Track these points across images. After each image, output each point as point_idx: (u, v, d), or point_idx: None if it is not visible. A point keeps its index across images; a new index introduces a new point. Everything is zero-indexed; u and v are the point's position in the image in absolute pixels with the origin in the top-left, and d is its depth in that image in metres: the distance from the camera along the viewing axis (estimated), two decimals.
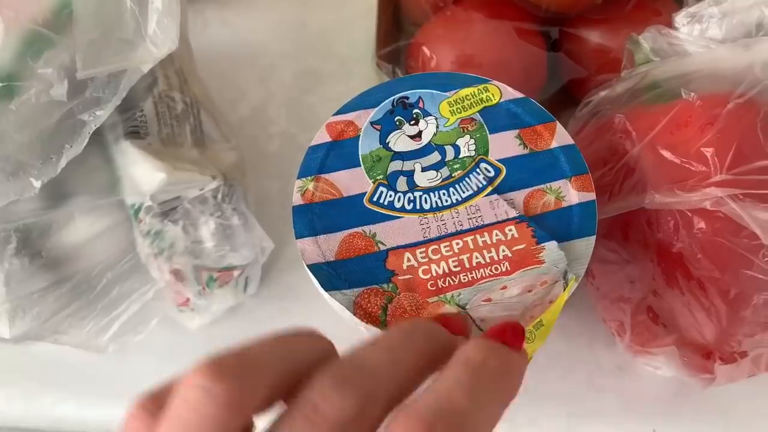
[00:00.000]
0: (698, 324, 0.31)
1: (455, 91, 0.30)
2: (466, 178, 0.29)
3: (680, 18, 0.34)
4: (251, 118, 0.45)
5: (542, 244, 0.27)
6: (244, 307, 0.40)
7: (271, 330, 0.31)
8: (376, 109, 0.30)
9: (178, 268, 0.33)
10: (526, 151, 0.29)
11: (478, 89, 0.30)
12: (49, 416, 0.39)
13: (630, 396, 0.38)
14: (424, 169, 0.29)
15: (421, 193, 0.29)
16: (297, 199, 0.29)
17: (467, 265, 0.27)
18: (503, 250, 0.27)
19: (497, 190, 0.29)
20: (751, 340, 0.31)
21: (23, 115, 0.26)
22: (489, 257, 0.27)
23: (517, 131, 0.30)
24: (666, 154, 0.31)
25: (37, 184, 0.27)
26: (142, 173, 0.31)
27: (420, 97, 0.31)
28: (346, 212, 0.28)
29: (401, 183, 0.29)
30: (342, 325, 0.40)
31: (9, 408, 0.38)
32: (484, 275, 0.27)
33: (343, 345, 0.39)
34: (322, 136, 0.30)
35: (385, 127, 0.30)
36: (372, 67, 0.43)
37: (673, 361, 0.33)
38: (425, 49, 0.39)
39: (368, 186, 0.29)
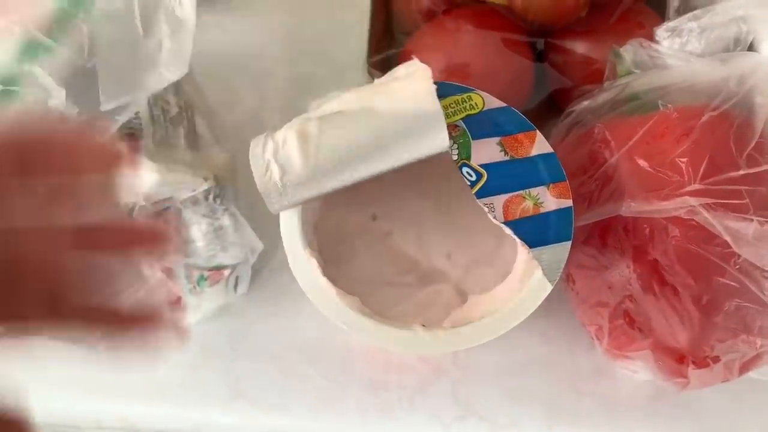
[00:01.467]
0: (672, 329, 0.32)
1: (440, 98, 0.31)
2: None
3: (661, 32, 0.36)
4: (246, 122, 0.46)
5: None
6: (234, 306, 0.41)
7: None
8: None
9: (169, 266, 0.34)
10: (506, 158, 0.30)
11: (462, 98, 0.31)
12: (39, 410, 0.39)
13: (608, 399, 0.39)
14: None
15: None
16: None
17: None
18: None
19: (478, 194, 0.30)
20: (723, 346, 0.32)
21: None
22: None
23: (498, 138, 0.31)
24: (642, 163, 0.32)
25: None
26: (136, 174, 0.32)
27: None
28: None
29: None
30: (327, 325, 0.41)
31: None
32: None
33: (328, 345, 0.40)
34: None
35: None
36: (364, 74, 0.44)
37: (649, 365, 0.34)
38: (415, 59, 0.40)
39: None
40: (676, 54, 0.35)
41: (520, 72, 0.41)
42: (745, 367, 0.33)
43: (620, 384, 0.39)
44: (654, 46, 0.36)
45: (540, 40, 0.41)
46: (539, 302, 0.28)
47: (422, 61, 0.40)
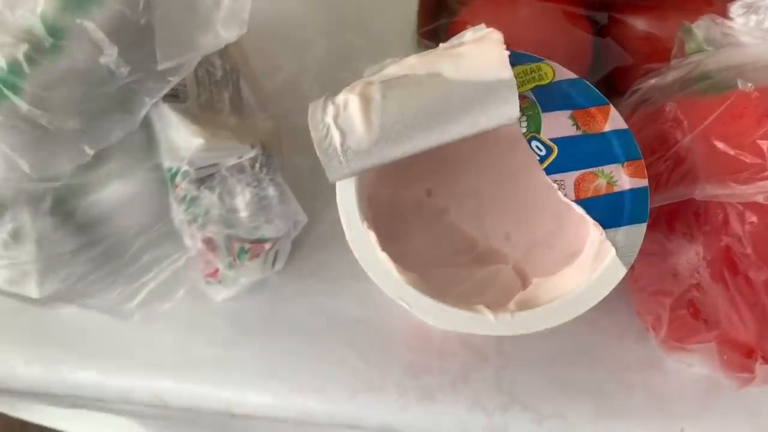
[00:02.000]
0: (742, 321, 0.30)
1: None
2: None
3: (735, 8, 0.34)
4: (284, 92, 0.44)
5: None
6: (269, 282, 0.40)
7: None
8: None
9: (210, 236, 0.32)
10: (578, 133, 0.29)
11: (531, 67, 0.29)
12: (68, 382, 0.38)
13: (658, 393, 0.38)
14: None
15: None
16: None
17: None
18: None
19: (548, 170, 0.28)
20: None
21: (73, 78, 0.25)
22: None
23: (570, 112, 0.29)
24: (719, 144, 0.30)
25: (90, 151, 0.26)
26: (181, 138, 0.30)
27: None
28: None
29: None
30: (367, 306, 0.40)
31: (28, 372, 0.38)
32: None
33: (368, 326, 0.39)
34: None
35: None
36: (411, 45, 0.42)
37: (711, 359, 0.33)
38: (470, 27, 0.38)
39: None
40: (752, 31, 0.33)
41: (579, 46, 0.39)
42: None
43: (672, 377, 0.38)
44: (728, 22, 0.34)
45: (602, 14, 0.39)
46: (613, 286, 0.27)
47: None
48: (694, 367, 0.36)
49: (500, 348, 0.39)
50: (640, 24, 0.38)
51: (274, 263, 0.37)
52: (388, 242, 0.28)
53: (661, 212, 0.32)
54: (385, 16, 0.47)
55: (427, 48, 0.40)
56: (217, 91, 0.33)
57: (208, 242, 0.33)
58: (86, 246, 0.31)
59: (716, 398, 0.37)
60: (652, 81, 0.34)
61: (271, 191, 0.33)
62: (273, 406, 0.38)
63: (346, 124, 0.26)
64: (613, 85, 0.40)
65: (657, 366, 0.38)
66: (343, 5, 0.48)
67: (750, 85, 0.31)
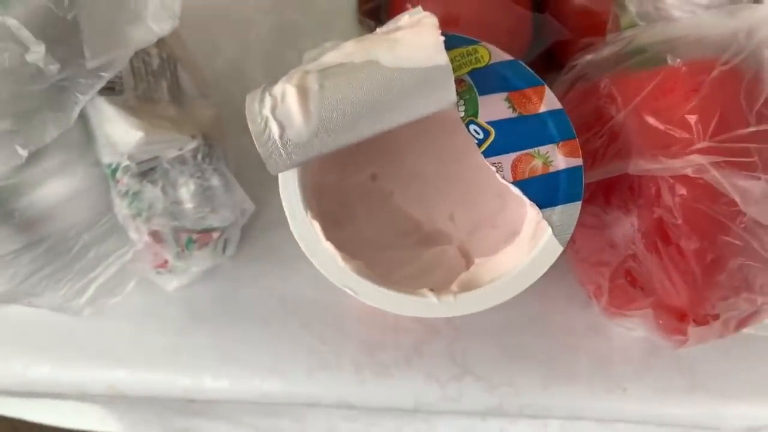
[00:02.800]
0: (675, 288, 0.32)
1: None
2: None
3: None
4: (226, 74, 0.44)
5: None
6: (222, 268, 0.40)
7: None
8: None
9: (156, 229, 0.32)
10: (515, 115, 0.29)
11: (468, 50, 0.30)
12: (21, 379, 0.38)
13: (602, 356, 0.40)
14: None
15: None
16: None
17: None
18: None
19: (486, 153, 0.28)
20: (724, 304, 0.32)
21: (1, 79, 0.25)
22: None
23: (506, 94, 0.29)
24: (650, 120, 0.31)
25: (24, 152, 0.25)
26: (119, 132, 0.30)
27: None
28: None
29: None
30: (320, 286, 0.40)
31: None
32: None
33: (322, 306, 0.39)
34: None
35: None
36: (353, 23, 0.42)
37: (649, 324, 0.34)
38: (410, 6, 0.38)
39: None
40: (682, 6, 0.34)
41: (518, 23, 0.39)
42: (741, 324, 0.34)
43: (615, 341, 0.40)
44: None
45: None
46: (550, 264, 0.28)
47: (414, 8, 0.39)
48: (635, 331, 0.37)
49: (451, 321, 0.40)
50: None
51: (224, 250, 0.37)
52: (335, 228, 0.29)
53: (599, 187, 0.33)
54: None
55: (368, 26, 0.40)
56: (155, 81, 0.33)
57: (155, 235, 0.33)
58: (29, 245, 0.30)
59: (656, 359, 0.39)
60: (589, 56, 0.35)
61: (215, 181, 0.33)
62: (231, 391, 0.38)
63: (285, 116, 0.26)
64: (554, 59, 0.41)
65: (601, 331, 0.40)
66: None
67: (678, 60, 0.32)
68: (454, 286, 0.28)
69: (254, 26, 0.45)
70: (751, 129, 0.30)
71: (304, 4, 0.46)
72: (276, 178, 0.29)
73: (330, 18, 0.46)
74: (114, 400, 0.43)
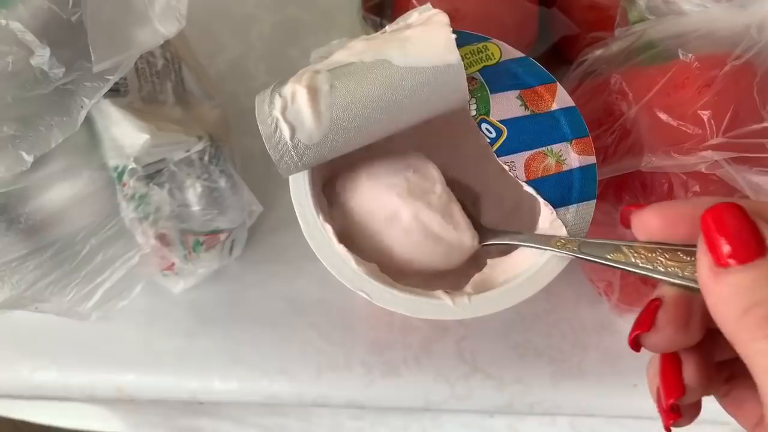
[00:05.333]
0: None
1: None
2: None
3: None
4: (229, 73, 0.43)
5: None
6: (228, 269, 0.39)
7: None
8: None
9: (163, 232, 0.32)
10: (527, 113, 0.29)
11: (479, 47, 0.29)
12: (28, 383, 0.37)
13: (612, 353, 0.39)
14: None
15: None
16: None
17: None
18: None
19: (499, 152, 0.28)
20: None
21: (3, 81, 0.24)
22: None
23: (518, 92, 0.29)
24: (662, 116, 0.31)
25: (29, 158, 0.25)
26: (125, 134, 0.29)
27: None
28: None
29: None
30: (327, 287, 0.40)
31: None
32: None
33: (329, 307, 0.39)
34: None
35: None
36: (357, 20, 0.41)
37: None
38: (414, 2, 0.38)
39: None
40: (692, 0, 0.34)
41: (524, 17, 0.39)
42: None
43: (624, 337, 0.39)
44: None
45: None
46: (565, 263, 0.27)
47: (420, 4, 0.38)
48: None
49: (460, 320, 0.39)
50: None
51: (231, 252, 0.37)
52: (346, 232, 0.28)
53: (610, 184, 0.33)
54: None
55: (373, 23, 0.40)
56: (159, 82, 0.32)
57: (162, 238, 0.32)
58: (35, 251, 0.30)
59: None
60: (598, 52, 0.35)
61: (222, 183, 0.32)
62: (240, 392, 0.38)
63: (295, 117, 0.26)
64: (561, 55, 0.40)
65: (610, 327, 0.40)
66: None
67: (690, 55, 0.31)
68: (468, 288, 0.28)
69: (256, 24, 0.45)
70: (765, 124, 0.30)
71: (306, 1, 0.45)
72: (281, 179, 0.28)
73: (333, 15, 0.45)
74: (118, 401, 0.42)
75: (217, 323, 0.39)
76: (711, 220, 0.19)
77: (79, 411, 0.54)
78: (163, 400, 0.39)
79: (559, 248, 0.26)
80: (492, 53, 0.29)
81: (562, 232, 0.28)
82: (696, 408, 0.23)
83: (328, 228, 0.27)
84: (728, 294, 0.18)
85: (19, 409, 0.56)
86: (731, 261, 0.18)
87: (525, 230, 0.29)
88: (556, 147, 0.29)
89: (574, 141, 0.29)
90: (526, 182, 0.28)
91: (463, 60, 0.27)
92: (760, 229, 0.18)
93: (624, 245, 0.23)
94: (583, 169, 0.28)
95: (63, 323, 0.36)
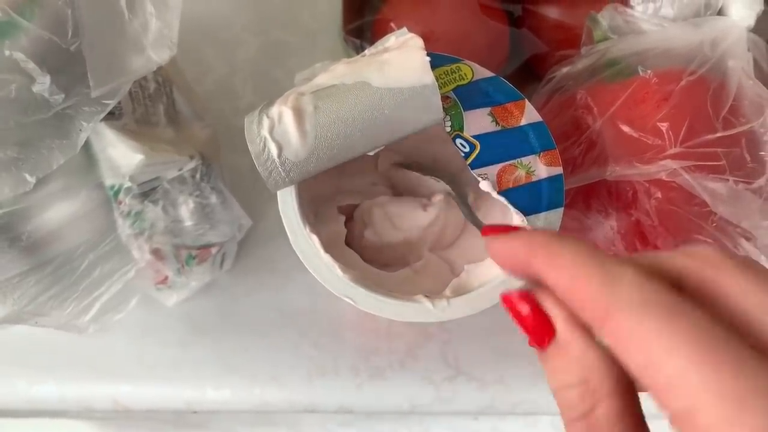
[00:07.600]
0: None
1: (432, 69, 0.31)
2: None
3: None
4: (217, 93, 0.45)
5: None
6: (219, 282, 0.41)
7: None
8: None
9: (158, 247, 0.33)
10: (498, 128, 0.31)
11: (452, 68, 0.31)
12: (26, 397, 0.39)
13: None
14: None
15: None
16: None
17: None
18: None
19: (473, 165, 0.30)
20: None
21: (6, 107, 0.26)
22: None
23: (489, 109, 0.31)
24: (625, 128, 0.33)
25: (32, 179, 0.27)
26: (120, 155, 0.31)
27: None
28: None
29: None
30: (315, 296, 0.42)
31: None
32: None
33: (318, 315, 0.41)
34: None
35: None
36: (339, 42, 0.43)
37: None
38: (393, 26, 0.40)
39: None
40: (650, 19, 0.36)
41: (496, 38, 0.41)
42: None
43: None
44: (629, 11, 0.37)
45: (516, 6, 0.41)
46: None
47: (399, 28, 0.40)
48: None
49: (443, 325, 0.41)
50: (551, 13, 0.41)
51: (222, 265, 0.39)
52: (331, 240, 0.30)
53: (578, 192, 0.35)
54: (313, 10, 0.48)
55: (354, 44, 0.42)
56: (152, 105, 0.34)
57: (156, 253, 0.34)
58: (36, 267, 0.31)
59: None
60: (565, 69, 0.37)
61: (213, 199, 0.34)
62: (233, 401, 0.40)
63: (282, 136, 0.28)
64: (532, 71, 0.43)
65: None
66: (269, 2, 0.49)
67: (649, 71, 0.34)
68: (447, 291, 0.29)
69: (242, 46, 0.47)
70: (718, 134, 0.32)
71: (290, 25, 0.47)
72: (268, 193, 0.30)
73: (315, 37, 0.47)
74: (108, 417, 0.43)
75: (209, 334, 0.40)
76: (508, 307, 0.20)
77: (70, 429, 0.55)
78: (154, 415, 0.40)
79: None
80: (464, 73, 0.32)
81: None
82: None
83: (314, 238, 0.29)
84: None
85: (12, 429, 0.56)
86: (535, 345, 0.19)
87: None
88: (525, 159, 0.31)
89: (542, 153, 0.31)
90: (498, 193, 0.30)
91: (437, 80, 0.29)
92: (550, 318, 0.19)
93: None
94: (551, 180, 0.30)
95: (60, 337, 0.38)
